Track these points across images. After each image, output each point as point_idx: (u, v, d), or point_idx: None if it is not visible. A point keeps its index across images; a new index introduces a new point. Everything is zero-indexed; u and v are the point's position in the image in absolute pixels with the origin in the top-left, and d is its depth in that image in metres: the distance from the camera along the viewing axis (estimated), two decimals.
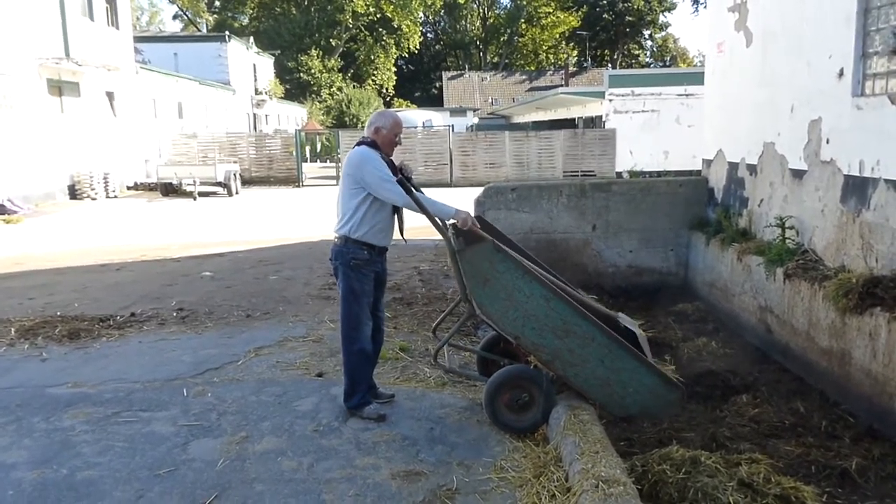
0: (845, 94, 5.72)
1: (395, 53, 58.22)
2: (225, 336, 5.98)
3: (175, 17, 65.18)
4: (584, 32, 61.62)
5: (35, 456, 3.78)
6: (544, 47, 69.65)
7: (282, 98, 45.58)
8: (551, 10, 65.96)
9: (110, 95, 22.25)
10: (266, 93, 41.35)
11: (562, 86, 44.13)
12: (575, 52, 66.95)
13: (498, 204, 8.69)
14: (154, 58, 30.87)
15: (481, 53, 71.30)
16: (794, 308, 6.02)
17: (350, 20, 52.63)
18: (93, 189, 19.67)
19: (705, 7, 10.09)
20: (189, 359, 5.37)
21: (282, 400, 4.52)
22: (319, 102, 49.45)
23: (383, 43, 56.38)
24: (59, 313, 6.66)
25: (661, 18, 67.71)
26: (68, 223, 14.82)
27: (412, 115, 40.11)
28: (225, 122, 32.61)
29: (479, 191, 8.93)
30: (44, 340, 5.83)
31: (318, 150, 37.95)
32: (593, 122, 29.60)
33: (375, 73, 57.59)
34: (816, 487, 3.67)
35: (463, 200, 13.50)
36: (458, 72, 64.02)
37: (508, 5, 70.51)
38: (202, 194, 20.45)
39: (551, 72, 62.52)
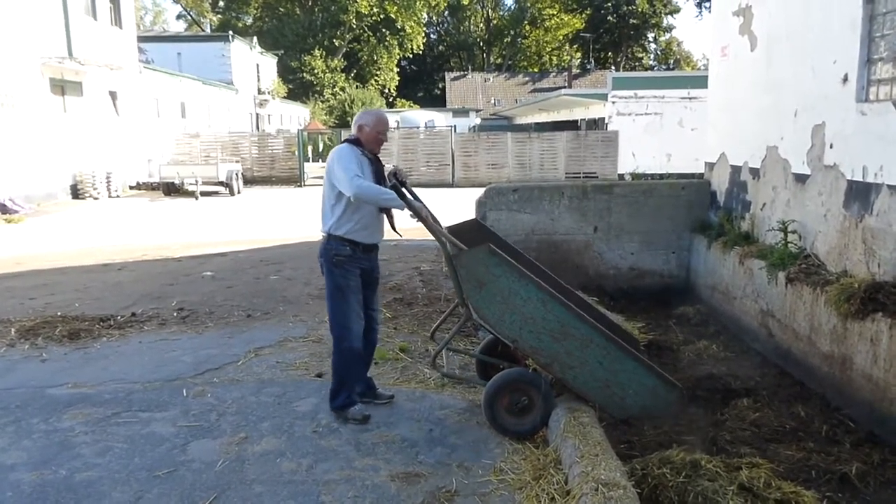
0: (849, 100, 5.71)
1: (399, 54, 58.25)
2: (225, 336, 5.97)
3: (179, 16, 65.28)
4: (588, 35, 61.60)
5: (34, 457, 3.78)
6: (548, 49, 69.65)
7: (285, 98, 45.62)
8: (555, 12, 65.96)
9: (113, 95, 22.28)
10: (269, 93, 41.39)
11: (565, 87, 44.11)
12: (578, 55, 66.94)
13: (499, 205, 8.68)
14: (157, 57, 30.90)
15: (484, 54, 71.31)
16: (795, 312, 6.01)
17: (353, 20, 52.66)
18: (95, 189, 19.68)
19: (710, 11, 10.07)
20: (189, 359, 5.37)
21: (281, 401, 4.51)
22: (322, 102, 49.47)
23: (386, 43, 56.41)
24: (59, 313, 6.65)
25: (665, 21, 67.70)
26: (70, 223, 14.83)
27: (415, 116, 40.14)
28: (228, 121, 32.64)
29: (480, 191, 8.92)
30: (44, 341, 5.82)
31: (321, 149, 37.95)
32: (596, 125, 29.58)
33: (378, 73, 57.61)
34: (817, 492, 3.67)
35: (465, 201, 13.53)
36: (461, 73, 64.03)
37: (512, 7, 70.63)
38: (204, 194, 20.47)
39: (554, 73, 62.51)
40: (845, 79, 5.78)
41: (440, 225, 4.14)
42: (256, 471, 3.60)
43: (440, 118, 39.58)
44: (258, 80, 40.48)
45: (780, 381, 5.88)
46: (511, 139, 25.49)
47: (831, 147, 6.01)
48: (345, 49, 54.94)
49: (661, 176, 18.12)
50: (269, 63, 44.36)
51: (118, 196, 20.71)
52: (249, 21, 56.95)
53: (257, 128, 38.35)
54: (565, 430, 3.50)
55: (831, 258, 5.94)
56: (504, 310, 3.88)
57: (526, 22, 67.45)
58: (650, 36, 69.18)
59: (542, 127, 37.10)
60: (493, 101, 58.65)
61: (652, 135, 24.17)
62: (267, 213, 17.05)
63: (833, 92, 5.96)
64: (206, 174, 20.64)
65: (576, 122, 33.22)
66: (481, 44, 71.12)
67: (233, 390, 4.71)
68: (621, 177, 22.41)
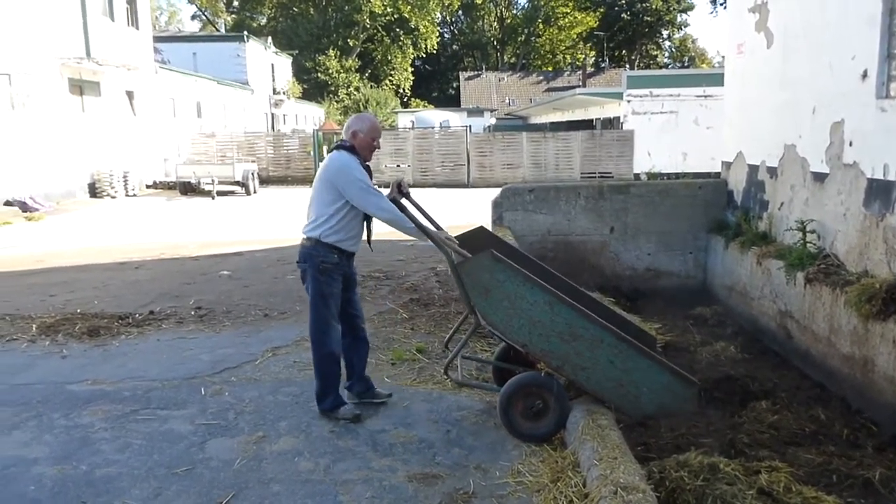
0: (869, 96, 5.65)
1: (413, 54, 58.27)
2: (242, 335, 6.01)
3: (194, 16, 65.81)
4: (602, 33, 61.33)
5: (55, 452, 3.82)
6: (562, 48, 69.43)
7: (299, 98, 45.77)
8: (569, 11, 65.72)
9: (130, 95, 22.47)
10: (284, 92, 41.56)
11: (579, 86, 43.94)
12: (592, 53, 66.66)
13: (515, 205, 8.67)
14: (173, 57, 31.12)
15: (498, 54, 71.19)
16: (814, 313, 5.95)
17: (367, 20, 52.74)
18: (112, 187, 19.88)
19: (724, 7, 9.97)
20: (207, 357, 5.40)
21: (299, 400, 4.53)
22: (337, 102, 49.58)
23: (400, 43, 56.46)
24: (79, 310, 6.72)
25: (680, 18, 67.26)
26: (88, 221, 14.98)
27: (429, 116, 40.15)
28: (243, 121, 32.80)
29: (496, 192, 8.91)
30: (64, 337, 5.89)
31: None
32: (611, 124, 29.45)
33: (392, 73, 57.67)
34: (838, 497, 3.63)
35: (480, 201, 13.50)
36: (476, 72, 63.96)
37: (526, 5, 70.43)
38: (220, 193, 20.60)
39: (568, 72, 62.32)
40: (864, 75, 5.71)
41: (446, 234, 4.18)
42: (274, 470, 3.62)
43: (455, 118, 39.56)
44: (273, 80, 40.65)
45: (800, 383, 5.83)
46: (526, 139, 25.43)
47: (850, 145, 5.95)
48: (359, 49, 55.04)
49: (677, 175, 18.03)
50: (284, 63, 44.54)
51: (135, 195, 20.89)
52: (264, 21, 57.18)
53: (273, 128, 38.53)
54: (583, 433, 3.48)
55: (851, 258, 5.87)
56: (511, 314, 3.88)
57: (539, 20, 67.25)
58: (664, 33, 68.76)
59: (556, 126, 37.00)
60: (507, 101, 58.56)
61: (667, 133, 24.04)
62: (283, 212, 17.11)
63: (852, 88, 5.90)
64: (222, 174, 20.78)
65: (591, 121, 33.09)
66: (495, 43, 71.01)
67: (250, 389, 4.73)
68: (637, 176, 22.32)
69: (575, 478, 3.27)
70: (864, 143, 5.75)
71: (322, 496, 3.36)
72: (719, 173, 9.23)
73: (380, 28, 55.17)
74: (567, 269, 8.46)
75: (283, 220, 15.04)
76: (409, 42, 56.57)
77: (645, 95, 24.36)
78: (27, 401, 4.53)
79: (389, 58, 56.88)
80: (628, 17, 63.66)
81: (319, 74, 50.17)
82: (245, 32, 38.66)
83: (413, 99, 62.16)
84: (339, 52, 51.33)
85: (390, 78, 57.58)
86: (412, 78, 60.12)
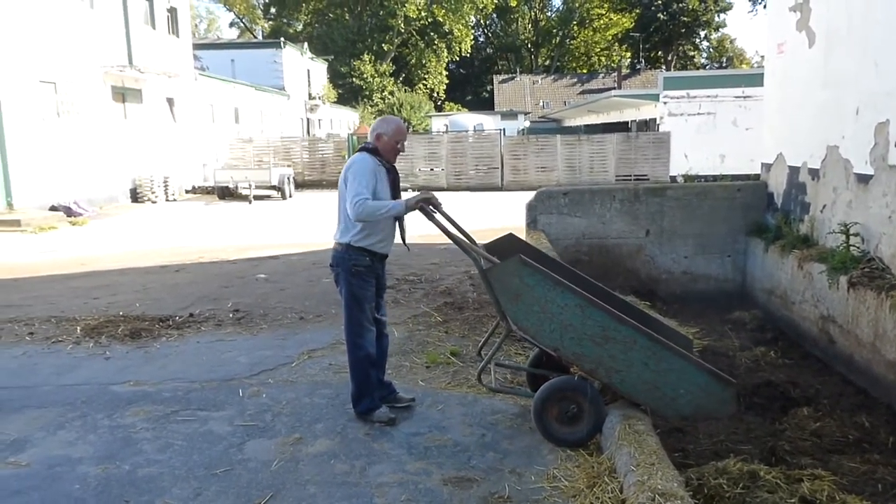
0: None
1: (447, 57, 58.42)
2: (279, 338, 6.08)
3: (232, 24, 66.89)
4: (638, 34, 60.72)
5: (99, 451, 3.92)
6: (597, 49, 68.94)
7: (334, 102, 46.24)
8: (604, 12, 65.25)
9: (170, 101, 22.94)
10: (319, 97, 42.02)
11: (614, 88, 43.59)
12: (628, 54, 66.03)
13: (550, 208, 8.63)
14: (212, 64, 31.70)
15: (532, 56, 70.96)
16: (858, 318, 5.81)
17: (402, 25, 53.05)
18: (153, 192, 20.31)
19: (764, 7, 9.80)
20: (245, 360, 5.48)
21: (335, 402, 4.57)
22: (371, 106, 49.95)
23: (435, 47, 56.66)
24: (121, 313, 6.88)
25: (717, 18, 66.21)
26: (130, 225, 15.33)
27: (463, 119, 40.22)
28: (279, 126, 33.24)
29: (530, 195, 8.89)
30: (107, 339, 6.03)
31: None
32: (647, 125, 29.14)
33: (426, 77, 57.90)
34: None
35: (514, 204, 13.47)
36: (510, 75, 63.82)
37: (560, 8, 70.08)
38: (257, 198, 20.90)
39: (603, 74, 61.82)
40: None
41: (473, 241, 4.20)
42: (311, 471, 3.66)
43: (489, 121, 39.56)
44: (309, 86, 41.12)
45: (843, 390, 5.70)
46: (560, 142, 25.30)
47: None
48: (393, 53, 55.40)
49: (715, 178, 17.74)
50: (320, 68, 45.04)
51: (175, 200, 21.31)
52: (300, 27, 57.91)
53: (308, 132, 38.97)
54: (620, 438, 3.45)
55: None
56: (542, 319, 3.85)
57: (574, 22, 66.87)
58: (702, 34, 67.75)
59: (591, 129, 36.75)
60: (541, 104, 58.33)
61: (705, 135, 23.71)
62: (318, 216, 17.28)
63: None
64: (258, 178, 21.07)
65: (626, 123, 32.79)
66: (529, 45, 70.79)
67: (287, 391, 4.79)
68: (673, 179, 22.04)
69: (611, 483, 3.24)
70: None
71: (358, 498, 3.39)
72: (758, 175, 9.07)
73: (414, 32, 55.46)
74: (602, 273, 8.41)
75: (318, 224, 15.19)
76: (444, 46, 56.74)
77: (682, 97, 24.06)
78: (72, 401, 4.66)
79: (424, 62, 57.12)
80: (665, 18, 62.86)
81: (354, 79, 50.60)
82: (282, 39, 39.21)
83: (447, 102, 62.31)
84: (373, 57, 51.73)
85: (424, 82, 57.80)
86: (446, 81, 60.26)
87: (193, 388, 4.87)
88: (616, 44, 67.09)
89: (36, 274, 9.31)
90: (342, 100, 49.31)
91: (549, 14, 70.73)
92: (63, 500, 3.41)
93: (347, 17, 54.68)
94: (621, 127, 32.23)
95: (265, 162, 24.38)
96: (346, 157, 25.96)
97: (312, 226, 14.89)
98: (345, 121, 47.98)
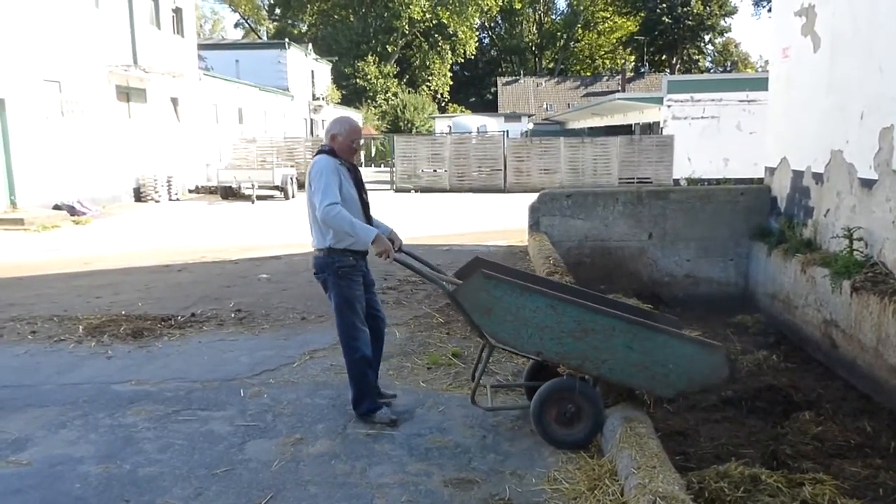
0: None
1: (451, 59, 58.46)
2: (281, 338, 6.09)
3: (237, 24, 67.07)
4: (642, 37, 60.69)
5: (101, 450, 3.92)
6: (601, 52, 68.91)
7: (338, 103, 46.28)
8: (609, 15, 65.24)
9: (174, 101, 22.98)
10: (323, 98, 42.06)
11: (618, 91, 43.57)
12: (632, 58, 66.00)
13: (553, 210, 8.63)
14: (216, 64, 31.77)
15: (537, 59, 70.96)
16: (861, 322, 5.79)
17: (406, 26, 53.11)
18: (156, 192, 20.35)
19: (768, 11, 9.79)
20: (246, 360, 5.49)
21: (336, 403, 4.57)
22: (375, 108, 50.03)
23: (439, 49, 56.71)
24: (123, 312, 6.89)
25: (722, 23, 66.15)
26: (133, 225, 15.35)
27: (467, 121, 40.22)
28: (283, 127, 33.29)
29: (533, 197, 8.88)
30: (109, 338, 6.04)
31: (373, 154, 38.40)
32: (651, 129, 29.13)
33: (430, 78, 57.95)
34: None
35: (516, 206, 13.48)
36: (514, 77, 63.83)
37: (565, 10, 70.10)
38: (260, 198, 20.92)
39: (607, 77, 61.78)
40: None
41: (431, 268, 4.28)
42: (311, 472, 3.66)
43: (492, 123, 39.55)
44: (313, 86, 41.17)
45: (845, 394, 5.69)
46: (563, 144, 25.29)
47: None
48: (397, 55, 55.46)
49: (718, 181, 17.73)
50: (324, 69, 45.10)
51: (178, 199, 21.34)
52: (304, 28, 58.02)
53: (312, 133, 39.01)
54: (621, 441, 3.44)
55: None
56: (518, 326, 3.86)
57: (579, 25, 66.88)
58: (706, 37, 67.73)
59: (595, 131, 36.74)
60: (545, 106, 58.31)
61: (708, 139, 23.70)
62: None
63: None
64: (262, 178, 21.10)
65: (630, 126, 32.78)
66: (533, 48, 70.80)
67: (288, 391, 4.79)
68: (676, 182, 22.04)
69: (612, 486, 3.23)
70: None
71: (358, 499, 3.38)
72: (762, 179, 9.06)
73: (418, 34, 55.52)
74: (604, 275, 8.41)
75: None
76: (448, 47, 56.79)
77: (686, 100, 24.05)
78: (74, 400, 4.66)
79: (428, 63, 57.17)
80: (669, 22, 62.87)
81: (358, 80, 50.67)
82: (286, 40, 39.27)
83: (451, 104, 62.34)
84: (377, 58, 51.81)
85: (428, 83, 57.85)
86: (450, 83, 60.30)
87: (195, 388, 4.87)
88: (620, 47, 67.07)
89: (39, 272, 9.32)
90: (346, 101, 49.36)
91: (553, 17, 70.78)
92: (64, 499, 3.41)
93: (352, 19, 54.78)
94: (625, 130, 32.22)
95: (268, 162, 24.40)
96: None
97: None
98: None
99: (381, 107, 50.03)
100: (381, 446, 3.95)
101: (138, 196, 20.18)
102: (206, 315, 6.84)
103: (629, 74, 58.55)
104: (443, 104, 60.54)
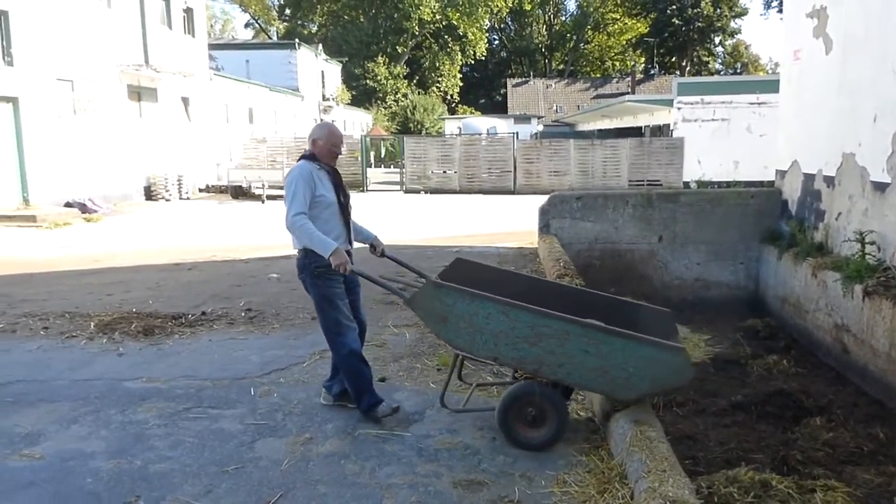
0: None
1: (461, 60, 58.49)
2: (291, 337, 6.11)
3: (247, 25, 67.30)
4: (652, 39, 60.53)
5: (112, 446, 3.94)
6: (611, 54, 68.81)
7: (348, 104, 46.39)
8: (619, 17, 65.12)
9: (185, 101, 23.09)
10: (333, 99, 42.17)
11: (628, 93, 43.46)
12: (642, 59, 65.85)
13: (562, 212, 8.62)
14: (227, 64, 31.90)
15: (546, 60, 70.89)
16: (873, 327, 5.76)
17: (416, 27, 53.17)
18: (167, 190, 20.46)
19: (778, 11, 9.76)
20: (256, 359, 5.51)
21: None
22: (384, 108, 50.10)
23: (449, 50, 56.75)
24: (134, 310, 6.93)
25: (732, 24, 65.89)
26: (144, 223, 15.43)
27: (476, 122, 40.23)
28: (293, 127, 33.37)
29: (542, 199, 8.87)
30: (120, 336, 6.08)
31: (383, 155, 38.47)
32: (661, 131, 29.04)
33: (440, 79, 57.98)
34: None
35: (526, 208, 13.48)
36: (523, 79, 63.80)
37: (575, 12, 70.01)
38: (270, 197, 20.96)
39: (617, 79, 61.68)
40: None
41: (418, 272, 4.38)
42: (321, 471, 3.67)
43: (502, 125, 39.54)
44: (323, 87, 41.29)
45: (857, 400, 5.65)
46: (573, 146, 25.25)
47: None
48: (407, 56, 55.52)
49: (729, 184, 17.67)
50: (334, 70, 45.21)
51: (188, 198, 21.43)
52: (315, 29, 58.18)
53: None
54: (631, 444, 3.44)
55: None
56: (472, 333, 3.88)
57: (589, 27, 66.78)
58: (716, 39, 67.48)
59: (604, 133, 36.66)
60: (554, 108, 58.26)
61: (719, 141, 23.61)
62: None
63: None
64: (272, 178, 21.16)
65: (640, 128, 32.68)
66: (543, 49, 70.74)
67: (298, 391, 4.81)
68: (686, 185, 21.95)
69: (622, 490, 3.23)
70: None
71: (368, 499, 3.39)
72: (773, 182, 9.02)
73: (428, 35, 55.56)
74: (614, 279, 8.39)
75: None
76: (458, 49, 56.82)
77: (696, 102, 23.96)
78: (85, 396, 4.69)
79: (437, 64, 57.22)
80: (679, 23, 62.67)
81: (368, 81, 50.76)
82: (296, 40, 39.39)
83: (460, 105, 62.37)
84: (387, 59, 51.88)
85: (438, 84, 57.89)
86: (460, 84, 60.31)
87: (205, 386, 4.89)
88: (630, 49, 66.95)
89: (50, 269, 9.39)
90: (356, 101, 49.48)
91: (563, 18, 70.72)
92: (76, 494, 3.44)
93: (362, 20, 54.88)
94: (635, 132, 32.13)
95: (278, 162, 24.47)
96: (359, 158, 26.10)
97: None
98: (358, 122, 48.12)
99: (390, 108, 50.10)
100: (390, 447, 3.95)
101: (149, 194, 20.28)
102: (216, 314, 6.87)
103: (639, 76, 58.38)
104: (452, 105, 60.57)
